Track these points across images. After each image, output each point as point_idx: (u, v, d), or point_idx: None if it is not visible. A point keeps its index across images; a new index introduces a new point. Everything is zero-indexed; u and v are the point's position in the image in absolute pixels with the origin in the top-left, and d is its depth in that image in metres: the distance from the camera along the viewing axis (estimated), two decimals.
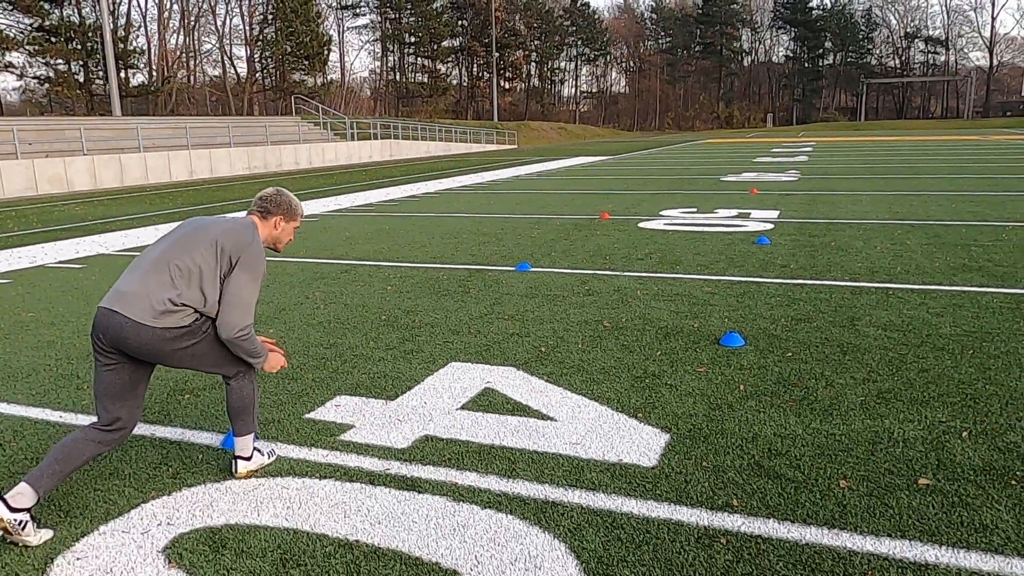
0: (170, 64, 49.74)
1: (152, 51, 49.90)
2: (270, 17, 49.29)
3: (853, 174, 18.25)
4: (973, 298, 5.63)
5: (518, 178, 20.21)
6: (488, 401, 3.83)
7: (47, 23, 38.94)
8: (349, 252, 8.59)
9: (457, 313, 5.64)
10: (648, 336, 4.91)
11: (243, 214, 3.09)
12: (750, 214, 11.01)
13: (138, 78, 48.74)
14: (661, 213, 11.44)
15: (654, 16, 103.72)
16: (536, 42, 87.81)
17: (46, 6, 38.71)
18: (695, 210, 11.70)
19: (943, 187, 14.27)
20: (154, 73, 50.55)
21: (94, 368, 2.76)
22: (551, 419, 3.57)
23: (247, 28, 52.73)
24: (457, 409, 3.74)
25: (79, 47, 40.01)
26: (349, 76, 74.06)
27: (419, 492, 2.89)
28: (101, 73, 40.96)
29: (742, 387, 3.90)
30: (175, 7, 51.61)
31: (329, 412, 3.74)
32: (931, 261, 7.07)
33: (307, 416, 3.70)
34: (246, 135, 30.32)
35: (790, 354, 4.44)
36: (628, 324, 5.20)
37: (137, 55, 47.32)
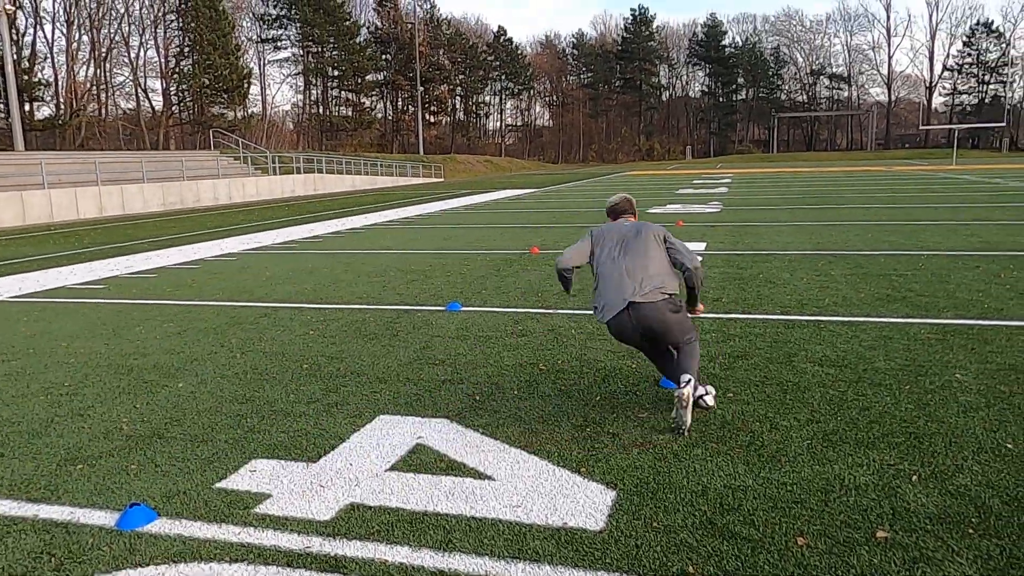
0: (79, 97, 47.71)
1: (60, 83, 47.82)
2: (187, 50, 48.04)
3: (773, 205, 18.80)
4: (901, 329, 5.68)
5: (445, 212, 20.01)
6: (420, 460, 3.54)
7: None
8: (269, 294, 8.16)
9: (385, 359, 5.34)
10: (587, 379, 4.72)
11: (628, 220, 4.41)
12: None
13: (44, 111, 46.59)
14: None
15: (575, 52, 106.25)
16: (461, 76, 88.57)
17: None
18: None
19: (858, 217, 14.79)
20: (62, 106, 48.38)
21: None
22: (489, 478, 3.31)
23: (163, 61, 51.24)
24: (386, 470, 3.43)
25: None
26: (271, 110, 72.86)
27: (343, 574, 2.58)
28: (2, 106, 38.90)
29: (687, 433, 3.73)
30: (84, 38, 49.75)
31: (243, 479, 3.38)
32: (856, 292, 7.17)
33: (218, 485, 3.33)
34: (161, 170, 29.20)
35: (731, 395, 4.32)
36: (565, 366, 5.01)
37: (43, 87, 45.26)
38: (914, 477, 3.17)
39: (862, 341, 5.38)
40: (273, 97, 73.67)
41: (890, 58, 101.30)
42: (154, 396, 4.65)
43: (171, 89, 50.33)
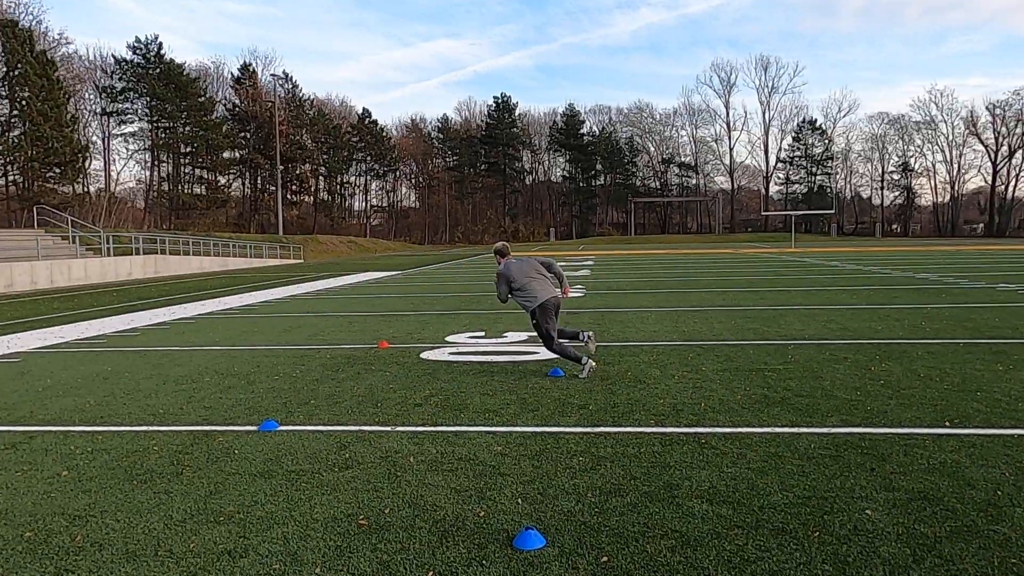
0: None
1: None
2: (14, 120, 43.95)
3: (635, 288, 18.65)
4: (790, 444, 4.95)
5: (295, 298, 18.43)
6: None
7: None
8: (35, 412, 6.46)
9: (150, 516, 3.95)
10: (419, 539, 3.57)
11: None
12: None
13: None
14: (447, 339, 10.36)
15: (441, 136, 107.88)
16: (324, 156, 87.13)
17: None
18: (483, 334, 10.76)
19: (718, 302, 14.69)
20: None
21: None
22: None
23: None
24: None
25: None
26: (116, 186, 68.07)
27: None
28: None
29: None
30: None
31: None
32: (732, 392, 6.49)
33: None
34: None
35: (605, 558, 3.31)
36: (393, 518, 3.84)
37: None
38: None
39: (750, 462, 4.57)
40: (119, 173, 68.95)
41: (731, 150, 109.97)
42: None
43: None
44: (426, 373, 7.80)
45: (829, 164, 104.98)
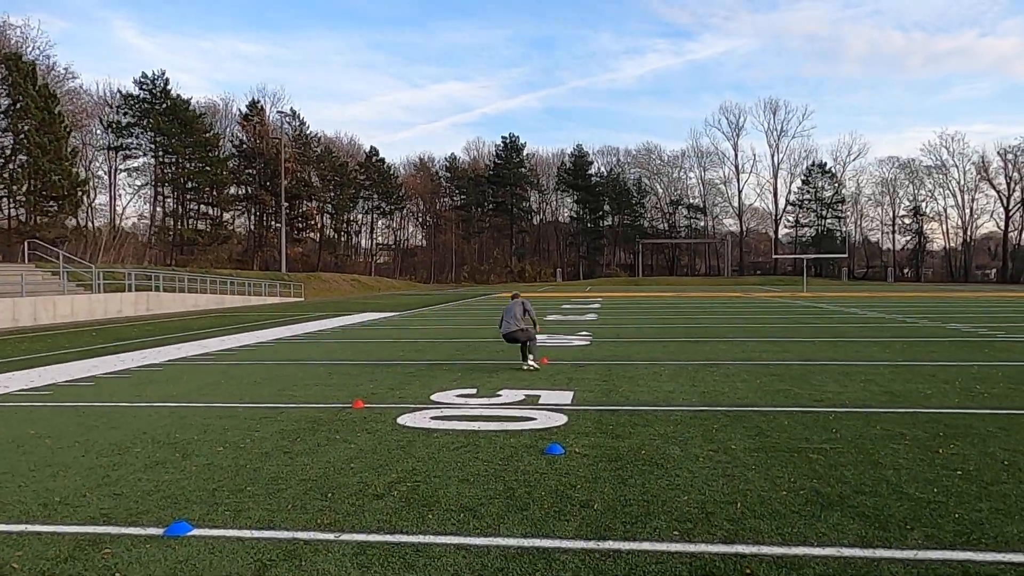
0: None
1: None
2: (8, 152, 43.36)
3: (645, 336, 17.35)
4: (866, 574, 3.63)
5: (279, 342, 17.19)
6: None
7: None
8: None
9: None
10: None
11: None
12: (539, 397, 8.95)
13: None
14: (432, 398, 9.06)
15: (448, 175, 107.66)
16: (330, 194, 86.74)
17: None
18: (474, 392, 9.46)
19: (737, 354, 13.38)
20: None
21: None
22: None
23: None
24: None
25: None
26: (121, 220, 67.53)
27: None
28: None
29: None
30: None
31: None
32: (773, 485, 5.18)
33: None
34: None
35: None
36: None
37: None
38: None
39: None
40: (124, 208, 68.46)
41: (740, 192, 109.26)
42: None
43: None
44: (399, 446, 6.50)
45: (839, 208, 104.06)
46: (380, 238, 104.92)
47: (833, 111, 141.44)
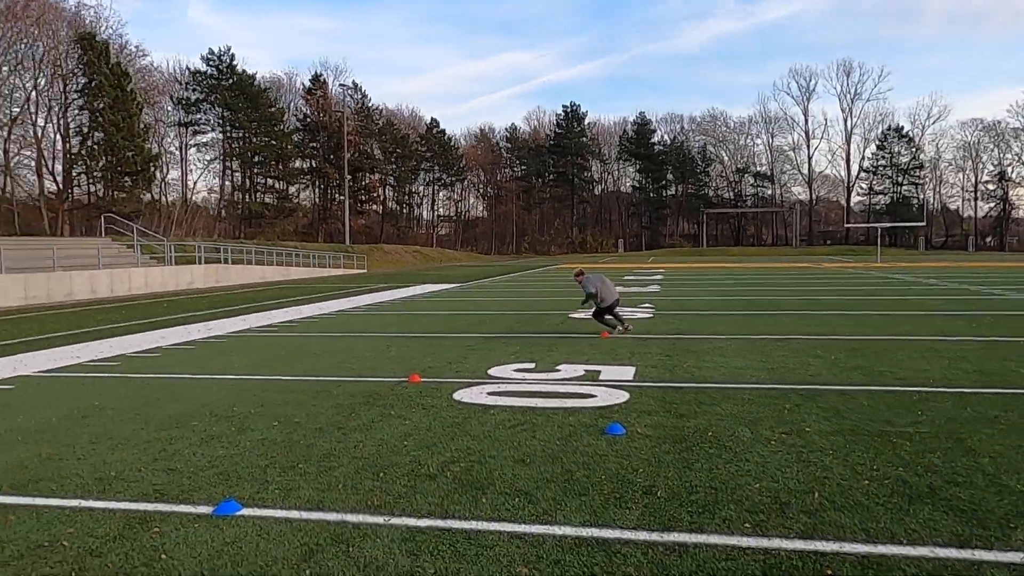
0: None
1: None
2: (85, 130, 44.89)
3: (710, 308, 16.79)
4: None
5: (342, 312, 17.31)
6: None
7: None
8: None
9: None
10: None
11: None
12: (599, 373, 8.65)
13: None
14: (489, 372, 8.86)
15: (509, 145, 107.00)
16: (392, 166, 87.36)
17: None
18: (533, 366, 9.22)
19: (808, 328, 12.76)
20: None
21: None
22: None
23: (63, 141, 47.80)
24: None
25: None
26: (192, 195, 69.49)
27: None
28: None
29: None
30: None
31: None
32: (854, 473, 4.78)
33: None
34: (29, 259, 25.71)
35: None
36: None
37: None
38: None
39: None
40: (195, 183, 70.36)
41: (810, 159, 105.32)
42: None
43: (70, 172, 46.77)
44: (454, 423, 6.32)
45: (917, 174, 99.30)
46: (441, 210, 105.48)
47: (911, 73, 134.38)
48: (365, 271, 49.69)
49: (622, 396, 7.28)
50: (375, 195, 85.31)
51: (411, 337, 12.53)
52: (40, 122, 48.14)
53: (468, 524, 4.05)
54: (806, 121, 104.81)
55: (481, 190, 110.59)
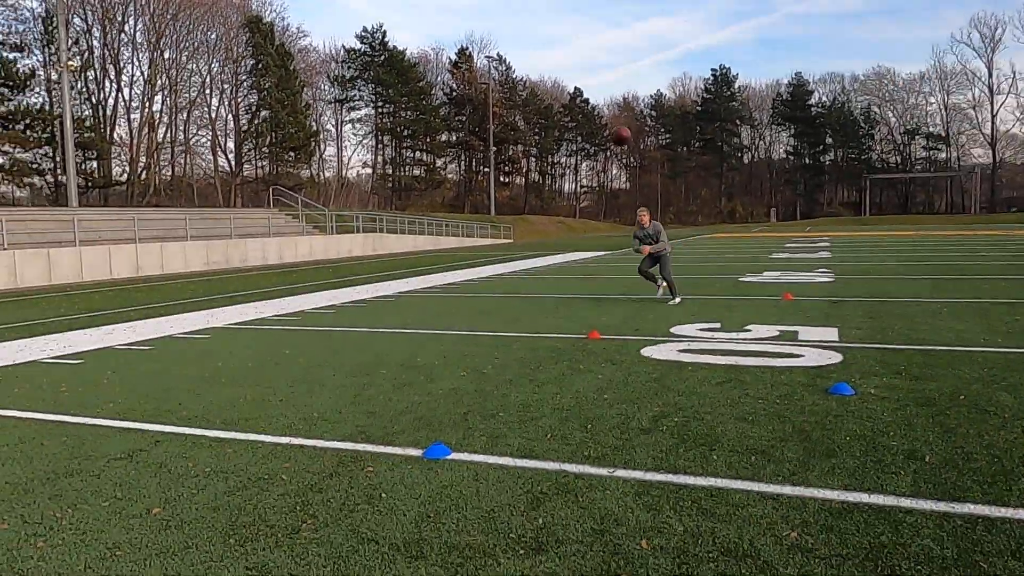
0: (152, 156, 48.02)
1: (134, 143, 48.24)
2: (254, 108, 47.85)
3: (897, 273, 15.25)
4: None
5: (499, 276, 17.25)
6: None
7: (4, 108, 36.92)
8: (183, 405, 5.41)
9: None
10: None
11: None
12: (797, 333, 7.87)
13: (117, 169, 46.91)
14: (672, 331, 8.30)
15: (653, 113, 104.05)
16: (535, 137, 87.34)
17: (5, 92, 36.89)
18: (718, 326, 8.56)
19: (1020, 292, 11.19)
20: (139, 165, 48.78)
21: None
22: None
23: (234, 119, 51.36)
24: None
25: (46, 135, 38.13)
26: (347, 170, 72.93)
27: None
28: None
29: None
30: (163, 100, 50.41)
31: None
32: None
33: None
34: (209, 228, 27.71)
35: None
36: None
37: (119, 146, 45.64)
38: None
39: None
40: (349, 158, 73.82)
41: (993, 117, 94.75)
42: None
43: (242, 148, 50.16)
44: (652, 379, 5.84)
45: None
46: (584, 181, 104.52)
47: None
48: (511, 241, 50.05)
49: (835, 356, 6.51)
50: (518, 166, 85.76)
51: (577, 298, 12.15)
52: (214, 103, 51.98)
53: (706, 480, 3.57)
54: (990, 75, 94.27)
55: (624, 160, 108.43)
